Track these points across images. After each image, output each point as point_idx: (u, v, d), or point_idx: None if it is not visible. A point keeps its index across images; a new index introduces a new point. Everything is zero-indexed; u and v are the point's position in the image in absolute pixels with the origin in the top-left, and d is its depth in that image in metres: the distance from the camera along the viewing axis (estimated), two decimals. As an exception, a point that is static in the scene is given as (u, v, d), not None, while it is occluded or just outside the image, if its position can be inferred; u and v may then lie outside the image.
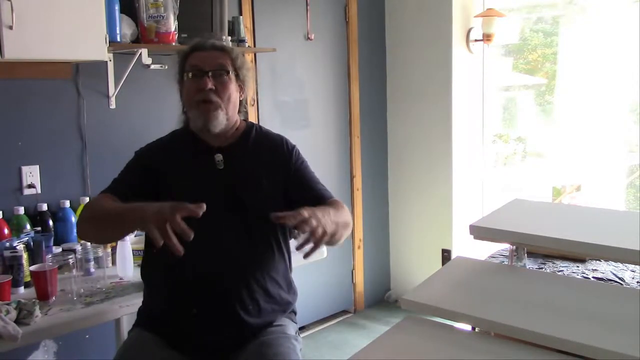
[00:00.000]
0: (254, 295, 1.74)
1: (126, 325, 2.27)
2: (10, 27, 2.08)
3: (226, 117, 1.76)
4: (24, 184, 2.54)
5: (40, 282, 1.99)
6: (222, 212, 1.71)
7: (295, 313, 1.91)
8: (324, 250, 2.18)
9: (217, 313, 1.71)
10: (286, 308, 1.84)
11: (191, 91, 1.75)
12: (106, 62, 2.68)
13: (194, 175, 1.78)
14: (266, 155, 1.83)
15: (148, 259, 1.80)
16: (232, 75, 1.77)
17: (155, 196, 1.71)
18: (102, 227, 1.67)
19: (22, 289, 2.06)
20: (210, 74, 1.74)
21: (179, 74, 1.82)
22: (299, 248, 1.49)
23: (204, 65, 1.75)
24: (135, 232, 1.98)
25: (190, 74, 1.76)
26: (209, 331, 1.71)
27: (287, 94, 3.61)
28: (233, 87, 1.78)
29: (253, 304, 1.74)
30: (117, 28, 2.59)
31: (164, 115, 2.85)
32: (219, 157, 1.78)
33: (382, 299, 4.24)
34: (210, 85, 1.73)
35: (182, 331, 1.72)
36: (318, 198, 1.79)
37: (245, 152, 1.82)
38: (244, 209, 1.75)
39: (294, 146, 1.89)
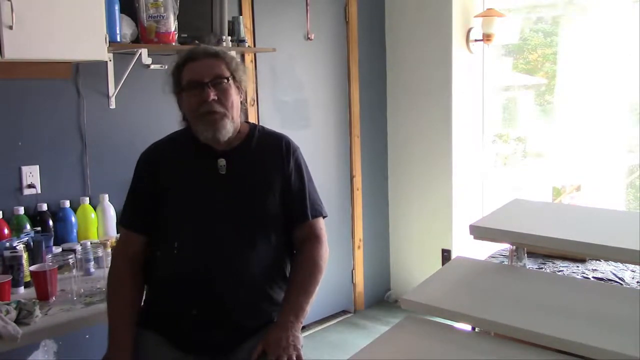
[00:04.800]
0: (253, 297, 1.75)
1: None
2: (10, 27, 2.08)
3: (232, 124, 1.76)
4: (24, 184, 2.53)
5: (40, 282, 1.99)
6: (222, 216, 1.75)
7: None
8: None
9: (216, 314, 1.73)
10: None
11: (193, 104, 1.72)
12: (106, 62, 2.67)
13: (196, 180, 1.78)
14: (268, 156, 1.83)
15: (152, 260, 1.81)
16: (230, 80, 1.75)
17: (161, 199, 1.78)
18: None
19: (22, 289, 2.06)
20: (209, 84, 1.71)
21: (175, 86, 1.78)
22: None
23: (202, 76, 1.71)
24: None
25: (188, 87, 1.72)
26: (209, 331, 1.73)
27: (287, 94, 3.60)
28: (234, 92, 1.75)
29: (251, 306, 1.75)
30: (117, 28, 2.59)
31: (164, 115, 2.84)
32: (221, 161, 1.77)
33: (382, 299, 4.24)
34: (212, 96, 1.70)
35: (183, 330, 1.74)
36: (297, 218, 1.83)
37: (247, 156, 1.81)
38: (244, 214, 1.76)
39: (294, 149, 1.87)
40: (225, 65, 1.75)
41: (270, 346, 1.64)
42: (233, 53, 1.87)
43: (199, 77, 1.71)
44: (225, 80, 1.73)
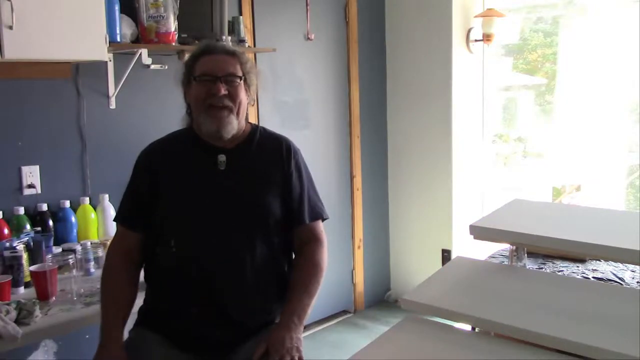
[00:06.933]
0: (250, 295, 1.75)
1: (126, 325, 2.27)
2: (10, 27, 2.08)
3: (237, 122, 1.76)
4: (24, 184, 2.53)
5: (40, 282, 1.99)
6: (220, 212, 1.75)
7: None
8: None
9: (216, 312, 1.72)
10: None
11: (202, 95, 1.73)
12: (106, 62, 2.67)
13: (195, 177, 1.78)
14: (268, 157, 1.83)
15: (151, 258, 1.81)
16: (242, 81, 1.76)
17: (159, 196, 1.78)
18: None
19: (22, 289, 2.06)
20: (222, 79, 1.72)
21: (186, 76, 1.79)
22: None
23: (216, 70, 1.73)
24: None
25: (201, 79, 1.74)
26: (209, 330, 1.72)
27: (287, 94, 3.60)
28: (243, 93, 1.77)
29: (249, 304, 1.75)
30: (117, 28, 2.59)
31: (164, 115, 2.85)
32: (222, 157, 1.77)
33: (382, 299, 4.24)
34: (223, 91, 1.72)
35: (183, 329, 1.74)
36: (297, 220, 1.83)
37: (248, 154, 1.81)
38: (243, 210, 1.76)
39: (295, 151, 1.87)
40: (240, 65, 1.77)
41: (274, 346, 1.64)
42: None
43: (212, 71, 1.73)
44: (238, 79, 1.75)
